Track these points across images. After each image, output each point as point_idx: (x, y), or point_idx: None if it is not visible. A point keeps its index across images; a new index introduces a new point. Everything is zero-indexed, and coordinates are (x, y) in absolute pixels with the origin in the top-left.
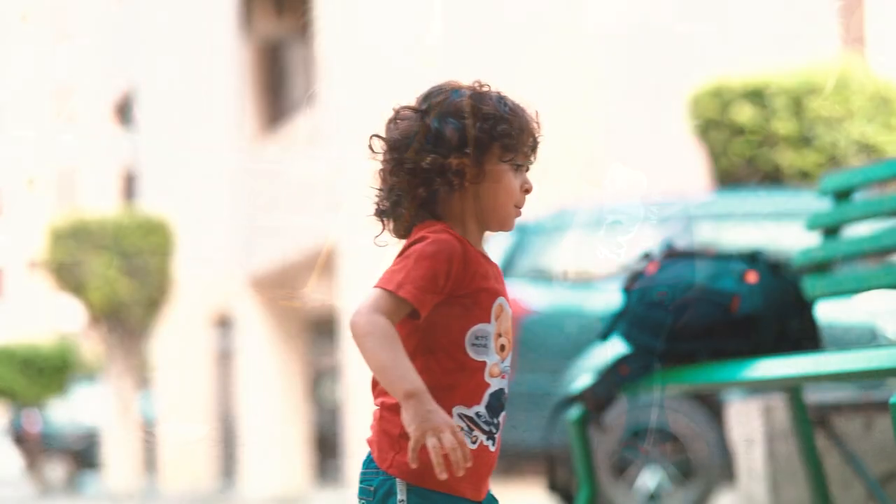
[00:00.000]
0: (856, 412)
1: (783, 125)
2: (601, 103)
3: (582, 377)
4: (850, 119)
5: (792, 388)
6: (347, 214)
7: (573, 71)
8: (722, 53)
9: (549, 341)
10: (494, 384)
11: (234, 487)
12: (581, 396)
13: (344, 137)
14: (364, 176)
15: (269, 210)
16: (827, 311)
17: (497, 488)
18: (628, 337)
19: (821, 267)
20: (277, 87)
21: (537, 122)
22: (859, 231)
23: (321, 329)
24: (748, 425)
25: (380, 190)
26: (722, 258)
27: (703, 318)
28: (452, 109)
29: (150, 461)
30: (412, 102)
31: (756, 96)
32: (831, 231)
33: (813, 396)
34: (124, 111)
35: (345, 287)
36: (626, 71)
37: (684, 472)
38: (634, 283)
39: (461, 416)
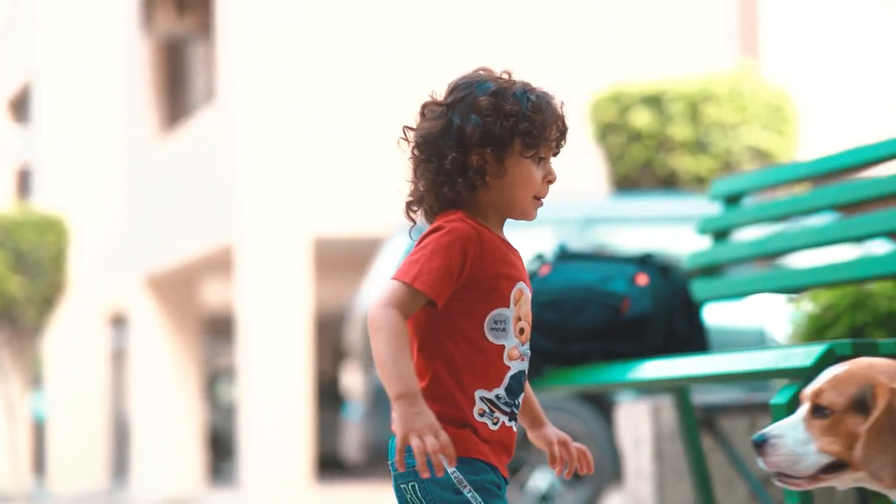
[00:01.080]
0: (740, 413)
1: (679, 131)
2: None
3: None
4: (744, 126)
5: (679, 389)
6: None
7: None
8: (620, 60)
9: None
10: (515, 367)
11: (127, 488)
12: None
13: (243, 135)
14: (262, 174)
15: (166, 208)
16: (718, 315)
17: (390, 490)
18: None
19: (710, 270)
20: (178, 84)
21: (562, 112)
22: (748, 235)
23: (218, 329)
24: (637, 426)
25: (410, 182)
26: (613, 261)
27: (594, 320)
28: (475, 106)
29: (39, 461)
30: (441, 94)
31: (654, 102)
32: (721, 235)
33: (700, 398)
34: (20, 107)
35: (243, 287)
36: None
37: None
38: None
39: (483, 398)
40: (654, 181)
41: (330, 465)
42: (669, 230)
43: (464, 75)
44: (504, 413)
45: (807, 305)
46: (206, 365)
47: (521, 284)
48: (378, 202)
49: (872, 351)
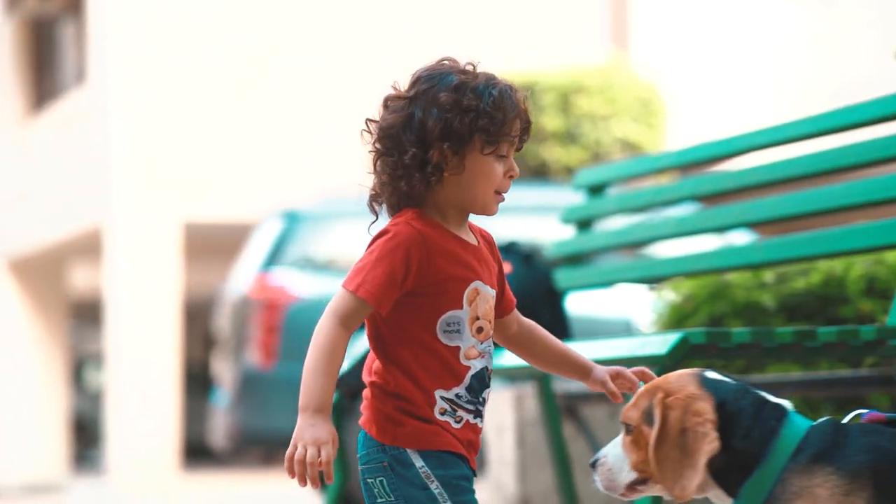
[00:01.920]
0: (601, 401)
1: (551, 121)
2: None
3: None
4: (614, 118)
5: (541, 377)
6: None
7: (357, 58)
8: (493, 50)
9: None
10: (475, 365)
11: None
12: (336, 383)
13: (114, 117)
14: (132, 157)
15: (32, 191)
16: (585, 304)
17: (257, 477)
18: None
19: (574, 259)
20: (46, 64)
21: (525, 106)
22: (613, 225)
23: (85, 314)
24: (500, 414)
25: (373, 175)
26: None
27: None
28: (436, 101)
29: None
30: (404, 86)
31: (526, 92)
32: (584, 224)
33: (561, 386)
34: None
35: (111, 271)
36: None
37: None
38: None
39: (443, 398)
40: (524, 171)
41: (198, 452)
42: (539, 220)
43: (428, 66)
44: (468, 411)
45: (668, 295)
46: (73, 350)
47: (476, 284)
48: (249, 187)
49: (726, 340)
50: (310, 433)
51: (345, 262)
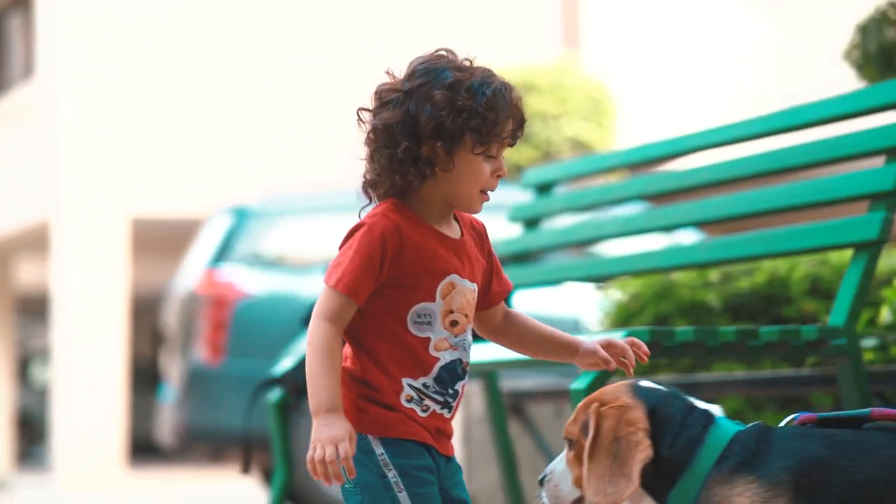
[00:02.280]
0: (547, 399)
1: None
2: (331, 91)
3: (284, 361)
4: (565, 117)
5: (487, 374)
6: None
7: (308, 56)
8: (445, 45)
9: (264, 326)
10: (445, 357)
11: None
12: (281, 380)
13: (62, 112)
14: (81, 151)
15: None
16: (535, 302)
17: (204, 474)
18: None
19: (521, 257)
20: None
21: (519, 104)
22: (561, 223)
23: (31, 309)
24: None
25: (367, 164)
26: None
27: None
28: (430, 98)
29: None
30: (399, 79)
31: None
32: (532, 223)
33: (508, 384)
34: None
35: (58, 266)
36: (347, 61)
37: None
38: None
39: (410, 385)
40: None
41: (144, 448)
42: (489, 218)
43: (425, 59)
44: (436, 402)
45: (615, 294)
46: (19, 346)
47: (452, 277)
48: (197, 183)
49: (669, 338)
50: (326, 433)
51: (294, 259)
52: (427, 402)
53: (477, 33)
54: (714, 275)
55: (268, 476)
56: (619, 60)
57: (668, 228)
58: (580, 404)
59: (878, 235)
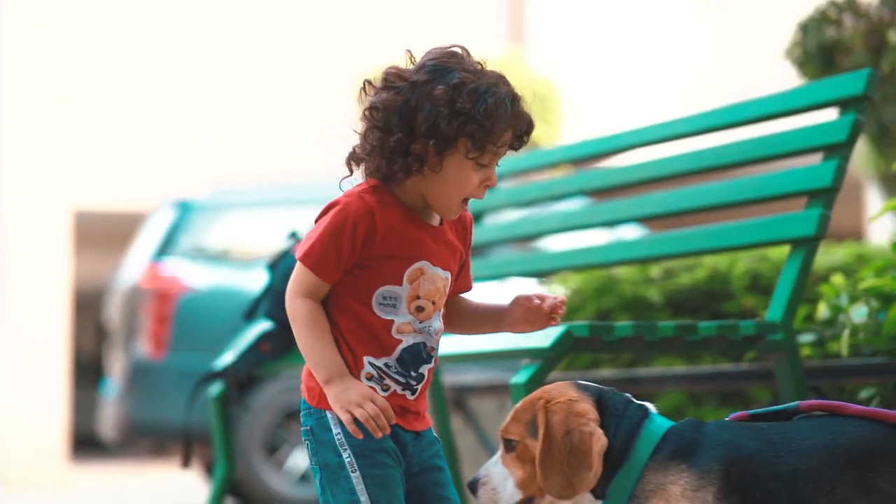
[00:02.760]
0: (489, 393)
1: None
2: (283, 86)
3: (226, 355)
4: None
5: None
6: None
7: (248, 49)
8: (391, 42)
9: (208, 320)
10: (408, 340)
11: None
12: (222, 374)
13: (4, 103)
14: (23, 142)
15: None
16: (479, 297)
17: (147, 469)
18: (271, 315)
19: None
20: None
21: (522, 118)
22: (504, 218)
23: None
24: None
25: (359, 137)
26: None
27: None
28: (432, 96)
29: None
30: (408, 67)
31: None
32: (475, 218)
33: (450, 378)
34: None
35: (0, 259)
36: (299, 52)
37: None
38: (279, 262)
39: (371, 364)
40: None
41: (87, 443)
42: None
43: (437, 53)
44: (397, 382)
45: (558, 289)
46: None
47: (422, 264)
48: (140, 176)
49: (608, 333)
50: (351, 395)
51: (238, 253)
52: (388, 381)
53: (422, 28)
54: (655, 270)
55: (210, 470)
56: (565, 57)
57: (610, 224)
58: (519, 405)
59: (815, 232)
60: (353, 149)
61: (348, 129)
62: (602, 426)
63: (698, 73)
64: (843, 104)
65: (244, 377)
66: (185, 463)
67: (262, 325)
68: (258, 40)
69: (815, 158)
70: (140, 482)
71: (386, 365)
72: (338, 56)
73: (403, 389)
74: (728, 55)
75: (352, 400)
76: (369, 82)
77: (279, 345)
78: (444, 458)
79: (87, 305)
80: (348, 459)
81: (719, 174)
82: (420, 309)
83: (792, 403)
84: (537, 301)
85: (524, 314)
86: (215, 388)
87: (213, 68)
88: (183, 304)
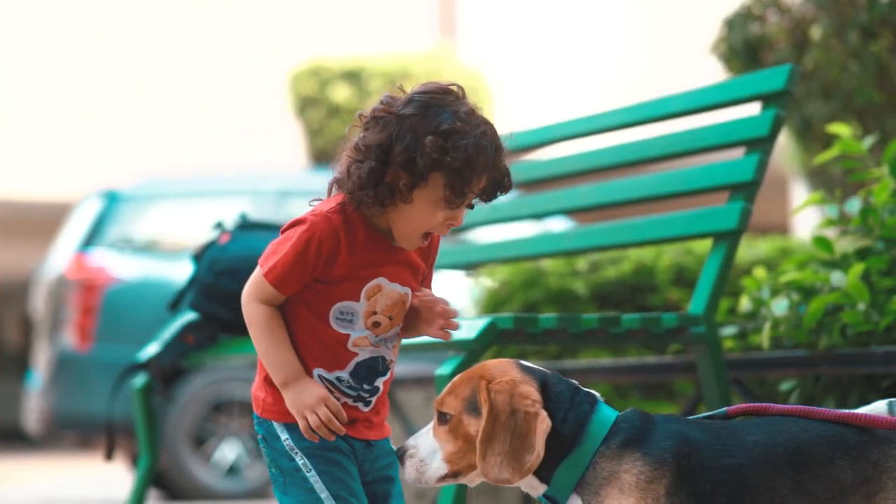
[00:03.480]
0: (417, 386)
1: None
2: (199, 78)
3: (150, 346)
4: None
5: None
6: None
7: (177, 40)
8: (321, 34)
9: (135, 311)
10: (364, 353)
11: None
12: (146, 365)
13: None
14: None
15: None
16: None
17: (72, 461)
18: (197, 306)
19: None
20: None
21: (499, 168)
22: None
23: None
24: None
25: (340, 163)
26: None
27: None
28: (415, 131)
29: None
30: (399, 99)
31: (353, 77)
32: None
33: None
34: None
35: None
36: (227, 45)
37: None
38: (205, 253)
39: (321, 377)
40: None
41: (12, 436)
42: None
43: (430, 90)
44: (347, 395)
45: (485, 281)
46: None
47: (380, 280)
48: (67, 166)
49: (533, 325)
50: (306, 398)
51: (166, 244)
52: (336, 394)
53: (354, 21)
54: (582, 263)
55: (136, 462)
56: (495, 49)
57: (537, 216)
58: (459, 379)
59: (737, 225)
60: (336, 174)
61: (277, 121)
62: (546, 410)
63: (629, 67)
64: (765, 99)
65: (168, 368)
66: (108, 455)
67: (187, 317)
68: (189, 32)
69: (740, 153)
70: (66, 475)
71: (338, 378)
72: (268, 48)
73: (355, 402)
74: (659, 49)
75: (306, 404)
76: (362, 114)
77: (203, 336)
78: (396, 470)
79: (13, 296)
80: (301, 462)
81: (645, 168)
82: (376, 324)
83: (720, 410)
84: (440, 307)
85: (427, 316)
86: (139, 380)
87: (143, 59)
88: (110, 295)
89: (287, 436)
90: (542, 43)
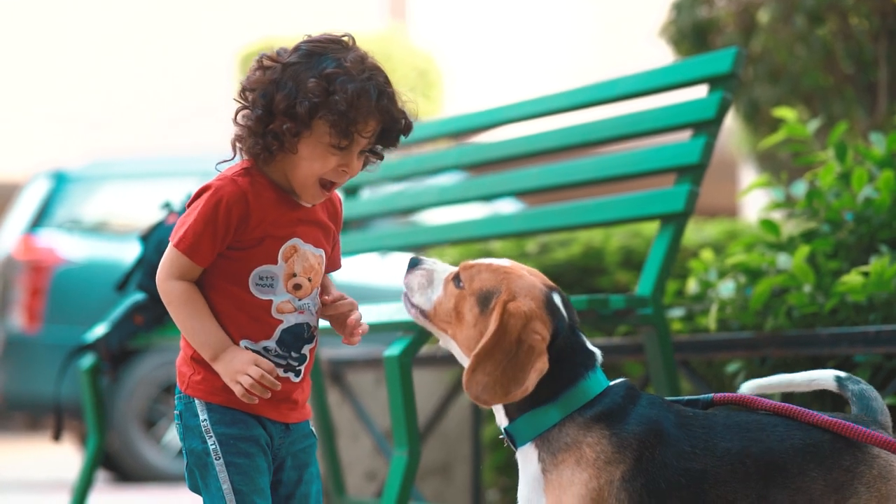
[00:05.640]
0: (366, 367)
1: None
2: (156, 55)
3: (98, 327)
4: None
5: None
6: None
7: (127, 21)
8: (272, 14)
9: (84, 292)
10: (289, 320)
11: None
12: (94, 346)
13: None
14: None
15: None
16: (364, 272)
17: (22, 443)
18: (144, 286)
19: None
20: None
21: (390, 113)
22: (380, 192)
23: None
24: None
25: (234, 117)
26: None
27: None
28: (297, 79)
29: None
30: (286, 50)
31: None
32: (350, 192)
33: (327, 352)
34: None
35: None
36: (175, 27)
37: None
38: (152, 233)
39: (248, 348)
40: None
41: None
42: None
43: (316, 39)
44: (277, 366)
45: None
46: None
47: (294, 241)
48: (15, 146)
49: None
50: (236, 365)
51: (115, 225)
52: None
53: (304, 2)
54: (532, 246)
55: (84, 443)
56: (446, 32)
57: (486, 198)
58: (489, 266)
59: (684, 208)
60: (235, 134)
61: (226, 103)
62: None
63: (579, 50)
64: (712, 82)
65: (116, 349)
66: (56, 436)
67: (135, 297)
68: (137, 11)
69: (687, 135)
70: (15, 456)
71: (265, 349)
72: (218, 29)
73: (286, 371)
74: (609, 33)
75: (237, 369)
76: (253, 68)
77: (151, 317)
78: (314, 454)
79: None
80: (213, 446)
81: (593, 150)
82: (297, 287)
83: (706, 395)
84: (352, 320)
85: (339, 322)
86: (87, 361)
87: (92, 39)
88: (58, 276)
89: (206, 417)
90: (493, 25)
